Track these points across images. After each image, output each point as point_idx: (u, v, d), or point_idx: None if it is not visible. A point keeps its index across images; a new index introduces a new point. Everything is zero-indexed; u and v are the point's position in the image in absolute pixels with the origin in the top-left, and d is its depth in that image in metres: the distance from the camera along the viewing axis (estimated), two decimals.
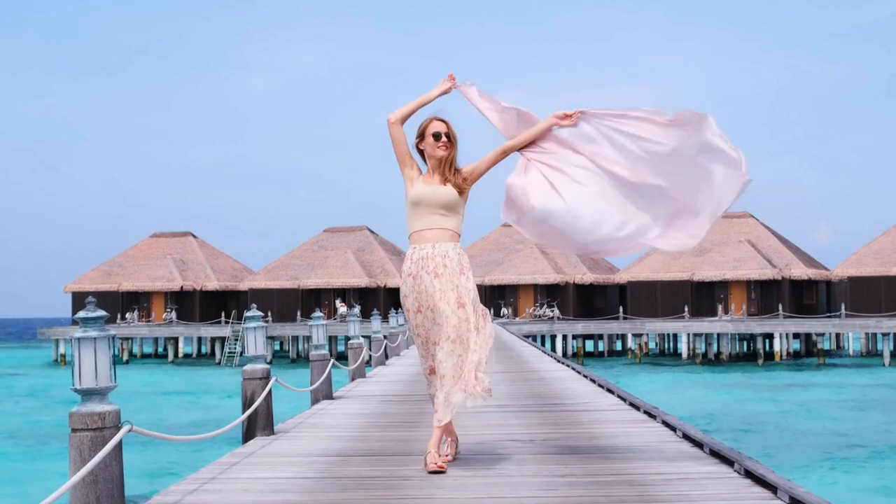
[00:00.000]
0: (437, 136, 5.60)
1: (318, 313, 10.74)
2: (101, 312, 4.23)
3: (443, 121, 5.63)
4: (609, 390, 10.49)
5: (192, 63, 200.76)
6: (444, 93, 5.71)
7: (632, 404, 8.97)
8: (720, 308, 50.42)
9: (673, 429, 7.08)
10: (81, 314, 4.23)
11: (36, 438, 22.59)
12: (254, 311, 7.43)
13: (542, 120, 5.75)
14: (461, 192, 5.59)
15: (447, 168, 5.60)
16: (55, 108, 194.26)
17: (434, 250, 5.54)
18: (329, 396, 10.50)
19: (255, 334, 7.39)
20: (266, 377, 7.32)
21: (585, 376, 12.71)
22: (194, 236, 61.62)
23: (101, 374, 4.20)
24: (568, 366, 15.15)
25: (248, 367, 7.36)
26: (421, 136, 5.66)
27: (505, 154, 5.73)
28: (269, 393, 7.28)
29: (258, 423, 7.20)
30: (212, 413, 26.69)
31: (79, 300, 56.68)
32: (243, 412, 7.16)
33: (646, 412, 8.27)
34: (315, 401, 10.17)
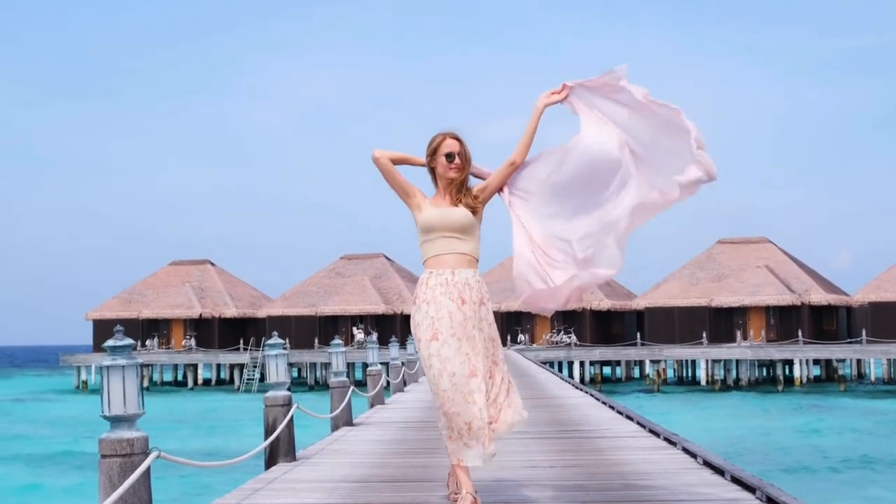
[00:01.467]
0: (449, 157, 5.16)
1: (337, 340, 10.82)
2: (129, 341, 4.32)
3: (456, 139, 5.19)
4: (629, 417, 10.50)
5: (205, 91, 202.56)
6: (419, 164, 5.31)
7: (651, 431, 8.98)
8: (739, 334, 50.20)
9: (693, 455, 7.09)
10: (110, 342, 4.32)
11: (61, 465, 22.70)
12: (275, 339, 7.51)
13: (533, 111, 5.27)
14: (474, 212, 5.17)
15: (458, 189, 5.19)
16: (69, 137, 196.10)
17: (454, 277, 5.09)
18: (349, 423, 10.55)
19: (276, 361, 7.47)
20: (288, 404, 7.39)
21: (604, 403, 12.71)
22: (213, 264, 61.91)
23: (129, 401, 4.28)
24: (587, 392, 15.15)
25: (270, 394, 7.43)
26: (433, 153, 5.20)
27: (514, 166, 5.24)
28: (291, 420, 7.34)
29: (280, 450, 7.26)
30: (232, 439, 26.75)
31: (100, 328, 57.01)
32: (265, 439, 7.23)
33: (666, 439, 8.28)
34: (335, 427, 10.22)
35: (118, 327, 4.38)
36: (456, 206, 5.15)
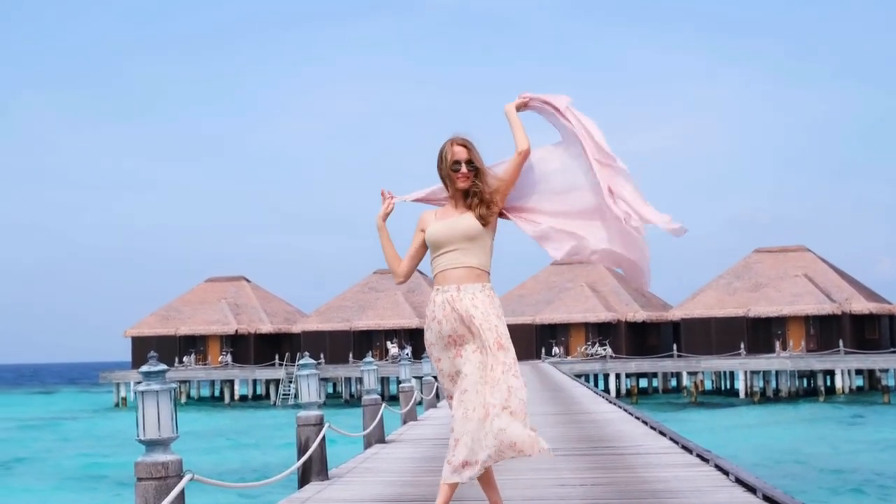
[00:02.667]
0: (455, 167, 4.80)
1: (369, 358, 10.91)
2: (163, 366, 4.42)
3: (463, 145, 4.81)
4: (661, 433, 10.48)
5: (238, 106, 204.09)
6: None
7: (684, 447, 8.97)
8: (778, 344, 49.76)
9: (725, 472, 7.09)
10: (144, 368, 4.42)
11: (100, 482, 22.94)
12: (306, 359, 7.60)
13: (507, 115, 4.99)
14: (486, 221, 4.78)
15: (468, 197, 4.82)
16: (102, 155, 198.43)
17: (459, 293, 4.77)
18: (381, 440, 10.62)
19: (307, 381, 7.56)
20: (320, 423, 7.47)
21: (637, 418, 12.69)
22: (248, 280, 62.34)
23: (163, 425, 4.38)
24: (620, 407, 15.13)
25: (302, 413, 7.52)
26: (440, 161, 4.86)
27: (524, 154, 4.88)
28: (323, 439, 7.42)
29: (313, 469, 7.34)
30: (267, 454, 26.93)
31: (138, 345, 57.58)
32: (298, 458, 7.31)
33: (698, 455, 8.27)
34: (368, 445, 10.29)
35: (152, 353, 4.47)
36: (465, 213, 4.81)
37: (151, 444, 4.38)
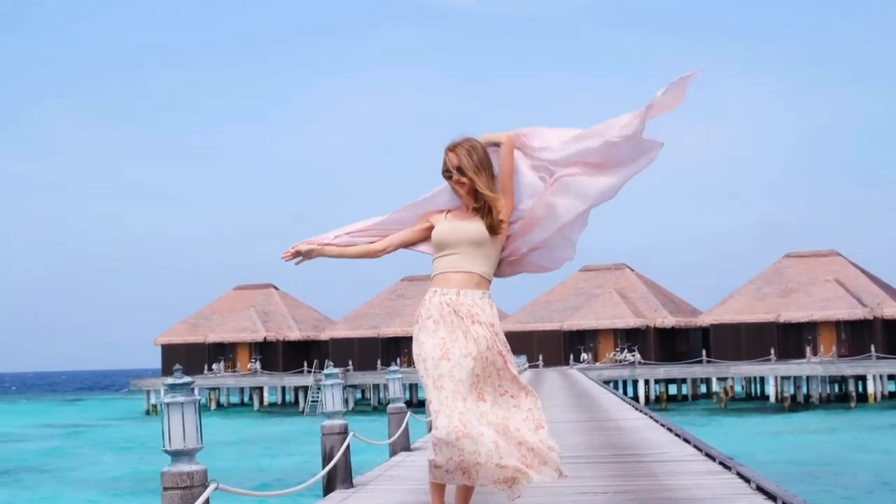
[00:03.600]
0: (446, 175, 4.69)
1: (394, 367, 10.99)
2: (188, 379, 4.53)
3: (453, 150, 4.64)
4: (686, 440, 10.50)
5: (258, 114, 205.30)
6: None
7: (707, 454, 8.99)
8: (808, 350, 49.43)
9: (747, 480, 7.11)
10: (170, 380, 4.53)
11: (129, 489, 23.17)
12: (331, 369, 7.70)
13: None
14: (494, 232, 4.62)
15: (476, 201, 4.64)
16: (127, 164, 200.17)
17: (459, 297, 4.61)
18: (407, 448, 10.70)
19: (332, 391, 7.66)
20: (344, 432, 7.57)
21: (663, 425, 12.71)
22: (276, 288, 62.71)
23: (188, 436, 4.48)
24: (646, 414, 15.13)
25: (327, 422, 7.63)
26: (442, 170, 4.76)
27: (513, 138, 4.71)
28: (348, 448, 7.52)
29: (337, 477, 7.44)
30: (294, 462, 27.10)
31: (168, 352, 58.09)
32: (323, 467, 7.41)
33: (721, 462, 8.29)
34: (393, 452, 10.38)
35: (177, 366, 4.58)
36: (473, 218, 4.65)
37: (177, 455, 4.49)
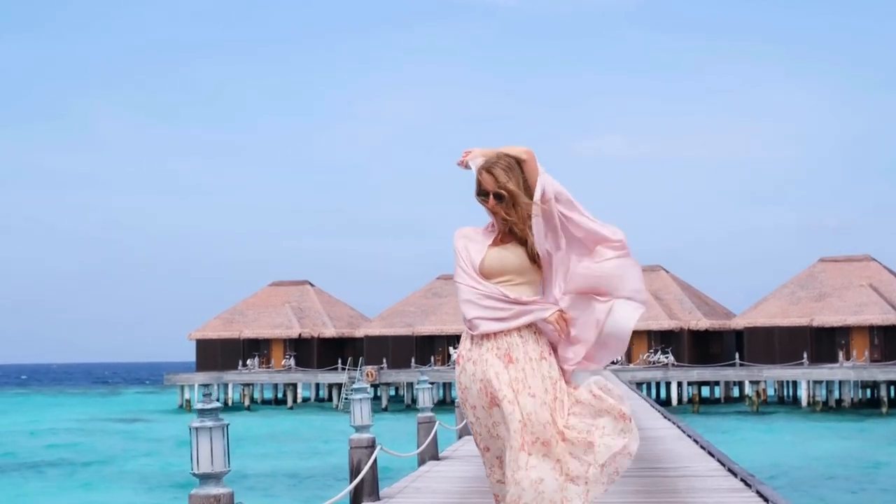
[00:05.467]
0: (480, 199, 4.25)
1: (423, 377, 11.16)
2: (217, 404, 4.71)
3: (490, 171, 4.18)
4: (710, 453, 10.59)
5: (296, 111, 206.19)
6: None
7: (730, 470, 9.08)
8: (841, 354, 49.09)
9: (766, 499, 7.21)
10: (199, 405, 4.71)
11: (161, 484, 23.53)
12: (359, 384, 7.87)
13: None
14: (534, 258, 4.21)
15: (521, 227, 4.20)
16: (168, 158, 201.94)
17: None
18: (435, 457, 10.86)
19: (360, 405, 7.83)
20: (371, 446, 7.74)
21: (689, 436, 12.78)
22: (311, 285, 63.10)
23: (216, 460, 4.66)
24: (674, 423, 15.20)
25: (355, 436, 7.80)
26: (475, 192, 4.32)
27: (529, 155, 4.28)
28: (375, 461, 7.69)
29: (364, 490, 7.61)
30: (326, 460, 27.37)
31: (203, 347, 58.68)
32: (350, 480, 7.59)
33: (742, 479, 8.39)
34: (421, 462, 10.55)
35: (206, 390, 4.76)
36: (513, 245, 4.23)
37: (205, 478, 4.67)
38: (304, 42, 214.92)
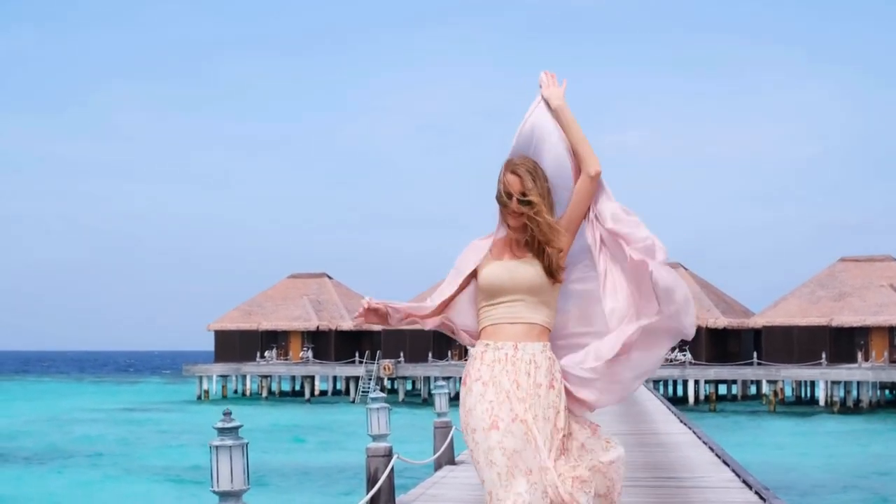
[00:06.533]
0: (502, 202, 3.85)
1: (440, 382, 11.23)
2: (237, 423, 4.79)
3: (515, 172, 3.81)
4: (725, 462, 10.61)
5: (317, 105, 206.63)
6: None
7: (745, 482, 9.11)
8: (860, 355, 48.88)
9: None
10: (219, 424, 4.79)
11: (178, 476, 23.71)
12: (377, 393, 7.94)
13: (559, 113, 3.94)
14: (554, 275, 3.83)
15: (537, 241, 3.83)
16: (189, 149, 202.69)
17: (516, 353, 3.83)
18: (451, 461, 10.94)
19: (377, 414, 7.90)
20: (388, 455, 7.82)
21: (705, 443, 12.81)
22: (329, 277, 63.29)
23: (236, 478, 4.75)
24: (690, 429, 15.22)
25: (372, 445, 7.88)
26: (496, 195, 3.91)
27: (594, 178, 3.90)
28: (392, 470, 7.77)
29: (381, 499, 7.69)
30: (342, 454, 27.51)
31: (221, 338, 59.00)
32: (367, 489, 7.67)
33: (756, 492, 8.42)
34: (438, 467, 10.62)
35: (227, 409, 4.84)
36: (525, 258, 3.84)
37: (224, 496, 4.76)
38: (327, 37, 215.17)
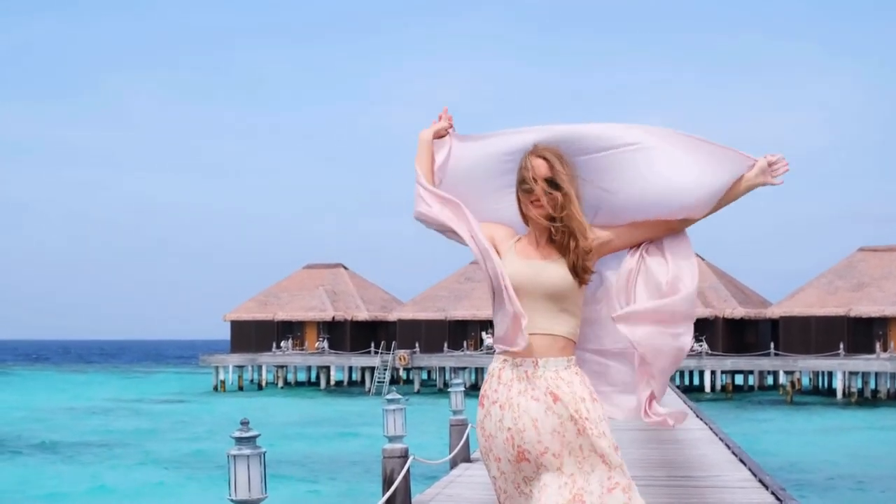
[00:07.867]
0: (526, 188, 3.37)
1: (457, 380, 11.23)
2: (255, 432, 4.80)
3: (543, 157, 3.37)
4: (742, 460, 10.59)
5: (333, 94, 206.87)
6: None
7: (761, 481, 9.09)
8: (878, 345, 48.65)
9: None
10: (236, 434, 4.81)
11: (195, 467, 23.82)
12: (394, 395, 7.96)
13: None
14: (582, 280, 3.36)
15: (565, 237, 3.35)
16: (205, 139, 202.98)
17: (537, 370, 3.35)
18: (467, 459, 10.95)
19: (394, 416, 7.92)
20: (404, 456, 7.83)
21: (721, 440, 12.78)
22: (345, 268, 63.38)
23: (253, 487, 4.76)
24: (707, 425, 15.18)
25: (388, 446, 7.89)
26: (518, 182, 3.43)
27: (685, 223, 3.59)
28: (408, 471, 7.78)
29: (397, 500, 7.70)
30: (356, 444, 27.61)
31: (237, 329, 59.22)
32: (383, 490, 7.69)
33: (773, 493, 8.40)
34: (453, 465, 10.64)
35: (245, 418, 4.86)
36: (551, 258, 3.37)
37: None
38: (342, 27, 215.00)
